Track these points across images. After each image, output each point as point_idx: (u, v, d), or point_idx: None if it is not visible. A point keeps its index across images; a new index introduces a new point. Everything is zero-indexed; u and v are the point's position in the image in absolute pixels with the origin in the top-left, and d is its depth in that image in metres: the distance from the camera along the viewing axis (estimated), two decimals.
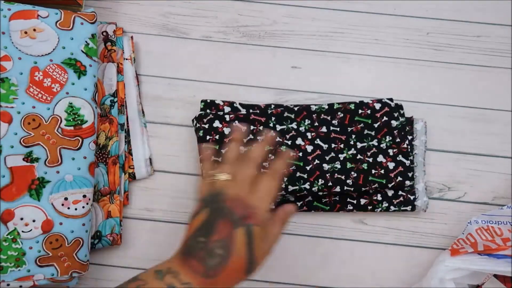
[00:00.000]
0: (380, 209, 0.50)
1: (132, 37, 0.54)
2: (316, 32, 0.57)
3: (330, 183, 0.49)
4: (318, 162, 0.50)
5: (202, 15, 0.57)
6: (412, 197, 0.50)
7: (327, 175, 0.49)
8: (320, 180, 0.49)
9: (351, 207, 0.51)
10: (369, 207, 0.50)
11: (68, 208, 0.45)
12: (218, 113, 0.50)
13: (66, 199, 0.45)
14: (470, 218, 0.49)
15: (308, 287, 0.51)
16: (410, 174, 0.50)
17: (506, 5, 0.58)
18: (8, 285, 0.43)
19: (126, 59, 0.53)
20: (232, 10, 0.57)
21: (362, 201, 0.50)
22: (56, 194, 0.45)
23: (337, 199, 0.51)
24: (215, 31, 0.56)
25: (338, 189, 0.49)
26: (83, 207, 0.45)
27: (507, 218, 0.47)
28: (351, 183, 0.49)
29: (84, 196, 0.46)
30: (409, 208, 0.50)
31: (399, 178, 0.49)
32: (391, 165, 0.50)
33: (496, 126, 0.55)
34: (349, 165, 0.50)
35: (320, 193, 0.50)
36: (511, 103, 0.55)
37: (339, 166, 0.50)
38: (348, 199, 0.51)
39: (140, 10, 0.57)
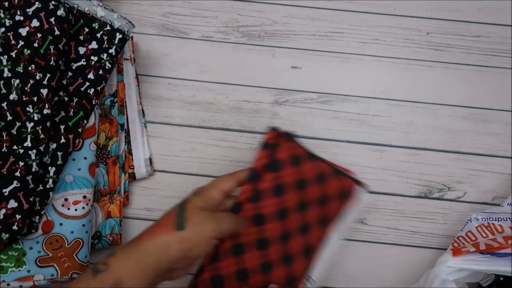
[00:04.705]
0: None
1: (132, 37, 0.54)
2: (316, 32, 0.57)
3: None
4: None
5: (202, 15, 0.57)
6: None
7: None
8: None
9: None
10: None
11: (68, 209, 0.45)
12: None
13: (66, 199, 0.45)
14: (470, 215, 0.48)
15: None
16: None
17: (506, 5, 0.58)
18: (8, 285, 0.43)
19: (126, 59, 0.53)
20: (232, 10, 0.57)
21: None
22: (57, 195, 0.45)
23: None
24: (215, 31, 0.56)
25: None
26: (83, 207, 0.45)
27: (507, 215, 0.47)
28: None
29: (84, 197, 0.46)
30: None
31: None
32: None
33: (496, 126, 0.55)
34: None
35: None
36: (511, 103, 0.55)
37: None
38: None
39: (140, 10, 0.56)
